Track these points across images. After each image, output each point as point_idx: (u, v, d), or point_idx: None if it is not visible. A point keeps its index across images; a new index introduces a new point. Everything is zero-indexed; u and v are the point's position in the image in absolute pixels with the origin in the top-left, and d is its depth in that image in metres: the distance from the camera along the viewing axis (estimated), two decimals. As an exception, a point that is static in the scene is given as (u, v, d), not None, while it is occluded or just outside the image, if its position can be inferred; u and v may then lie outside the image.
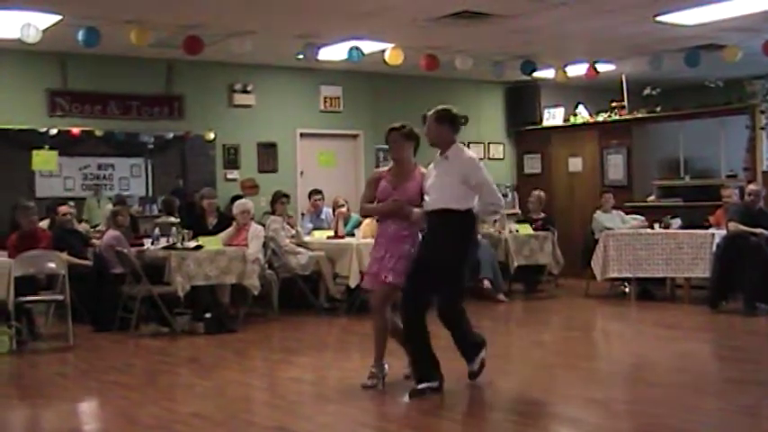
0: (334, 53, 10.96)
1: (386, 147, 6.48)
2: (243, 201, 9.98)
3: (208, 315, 8.66)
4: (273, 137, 12.87)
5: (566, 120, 14.20)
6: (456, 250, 5.86)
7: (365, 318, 9.41)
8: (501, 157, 14.93)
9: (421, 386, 5.86)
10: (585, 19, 9.80)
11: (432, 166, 6.09)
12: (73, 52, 10.88)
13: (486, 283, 10.63)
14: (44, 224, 9.63)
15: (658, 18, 9.80)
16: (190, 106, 12.20)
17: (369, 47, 10.73)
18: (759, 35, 10.44)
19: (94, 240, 9.66)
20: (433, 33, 10.30)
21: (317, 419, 5.47)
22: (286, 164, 12.96)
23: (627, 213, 11.53)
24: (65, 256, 8.42)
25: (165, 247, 8.87)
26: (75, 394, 6.43)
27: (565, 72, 12.52)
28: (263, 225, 9.92)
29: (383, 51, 10.86)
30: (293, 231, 10.14)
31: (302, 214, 11.81)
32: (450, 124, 6.01)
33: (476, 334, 6.10)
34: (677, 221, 10.68)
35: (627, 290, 10.91)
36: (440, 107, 6.08)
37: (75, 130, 11.48)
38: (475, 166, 5.98)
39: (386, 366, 6.10)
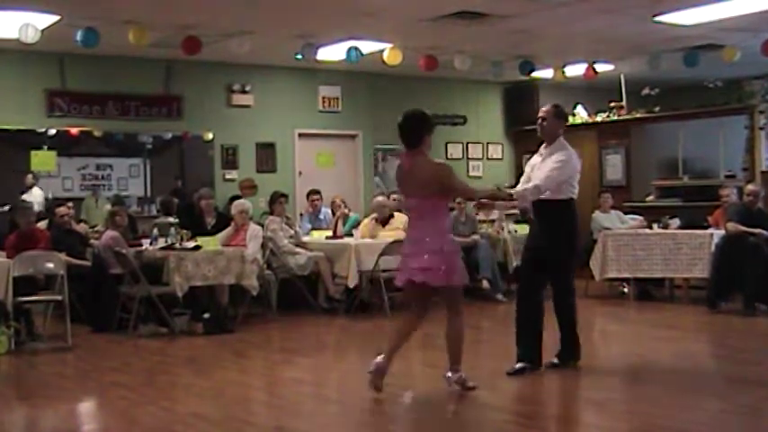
0: (332, 53, 10.96)
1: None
2: (241, 201, 9.98)
3: (206, 315, 8.65)
4: (272, 137, 12.87)
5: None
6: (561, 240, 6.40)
7: (364, 318, 9.43)
8: (500, 157, 14.94)
9: (519, 366, 6.29)
10: (584, 19, 9.81)
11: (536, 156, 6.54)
12: (71, 52, 10.87)
13: (485, 284, 10.62)
14: (43, 224, 9.62)
15: (657, 18, 9.81)
16: (188, 106, 12.20)
17: (367, 47, 10.73)
18: (758, 35, 10.44)
19: (93, 241, 9.65)
20: (432, 33, 10.30)
21: (316, 420, 5.46)
22: (284, 164, 12.97)
23: (625, 213, 11.53)
24: (63, 256, 8.40)
25: (163, 248, 8.86)
26: (74, 395, 6.43)
27: (563, 72, 12.53)
28: (262, 225, 9.91)
29: (382, 51, 10.86)
30: (292, 231, 10.13)
31: (301, 214, 11.81)
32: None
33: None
34: (676, 221, 10.67)
35: (625, 290, 10.91)
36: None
37: (74, 131, 11.48)
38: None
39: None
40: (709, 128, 12.82)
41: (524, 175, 6.67)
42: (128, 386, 6.43)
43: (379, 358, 5.76)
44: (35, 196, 10.97)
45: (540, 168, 6.39)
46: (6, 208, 10.55)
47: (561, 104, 6.70)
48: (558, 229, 6.38)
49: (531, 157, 6.75)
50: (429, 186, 5.67)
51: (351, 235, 10.41)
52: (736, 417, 5.38)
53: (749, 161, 12.16)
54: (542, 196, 6.29)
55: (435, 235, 5.68)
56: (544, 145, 6.53)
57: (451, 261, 5.73)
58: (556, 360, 6.54)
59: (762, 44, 10.57)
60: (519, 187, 6.44)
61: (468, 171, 14.51)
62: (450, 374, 5.92)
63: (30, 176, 11.16)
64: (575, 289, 6.61)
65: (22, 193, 11.00)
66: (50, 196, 11.17)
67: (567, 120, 6.85)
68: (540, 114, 6.54)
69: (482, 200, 6.34)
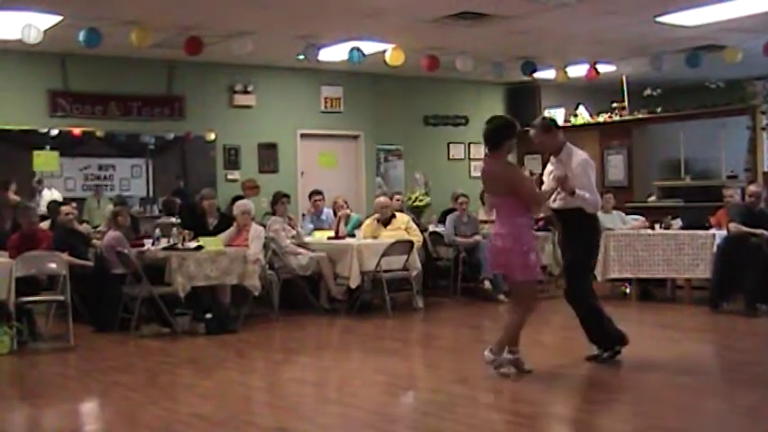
0: (334, 54, 10.97)
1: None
2: (243, 201, 9.98)
3: (208, 315, 8.65)
4: (274, 137, 12.88)
5: (566, 120, 14.20)
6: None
7: (366, 318, 9.44)
8: (501, 157, 14.91)
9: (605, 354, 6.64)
10: (586, 20, 9.81)
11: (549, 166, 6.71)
12: (74, 53, 10.90)
13: (487, 284, 10.62)
14: (45, 225, 9.63)
15: (659, 19, 9.81)
16: (190, 107, 12.21)
17: (369, 47, 10.74)
18: (759, 36, 10.44)
19: (95, 241, 9.66)
20: (434, 34, 10.31)
21: (318, 420, 5.47)
22: (287, 164, 12.98)
23: (627, 214, 11.52)
24: (66, 256, 8.41)
25: (165, 248, 8.86)
26: (76, 395, 6.43)
27: (565, 73, 12.53)
28: (264, 226, 9.92)
29: (384, 52, 10.87)
30: (294, 232, 10.13)
31: (303, 215, 11.81)
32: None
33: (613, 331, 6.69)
34: (678, 222, 10.67)
35: (627, 290, 10.90)
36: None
37: (76, 131, 11.50)
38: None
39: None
40: (710, 128, 12.82)
41: (545, 186, 6.66)
42: (130, 386, 6.44)
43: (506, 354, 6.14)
44: (46, 199, 10.94)
45: (565, 179, 6.44)
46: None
47: (545, 116, 6.90)
48: (581, 232, 6.54)
49: (544, 164, 6.86)
50: (502, 188, 6.22)
51: (353, 235, 10.41)
52: (738, 417, 5.38)
53: (751, 162, 12.16)
54: (563, 205, 6.51)
55: (509, 233, 6.14)
56: (553, 155, 6.64)
57: (514, 257, 6.12)
58: (597, 352, 6.72)
59: (764, 45, 10.57)
60: (581, 191, 6.45)
61: (470, 172, 14.52)
62: (507, 355, 6.28)
63: (35, 180, 11.16)
64: (588, 288, 6.71)
65: (33, 196, 11.03)
66: (59, 196, 11.11)
67: (557, 125, 6.79)
68: (533, 140, 6.68)
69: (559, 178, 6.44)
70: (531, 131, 6.68)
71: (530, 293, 6.31)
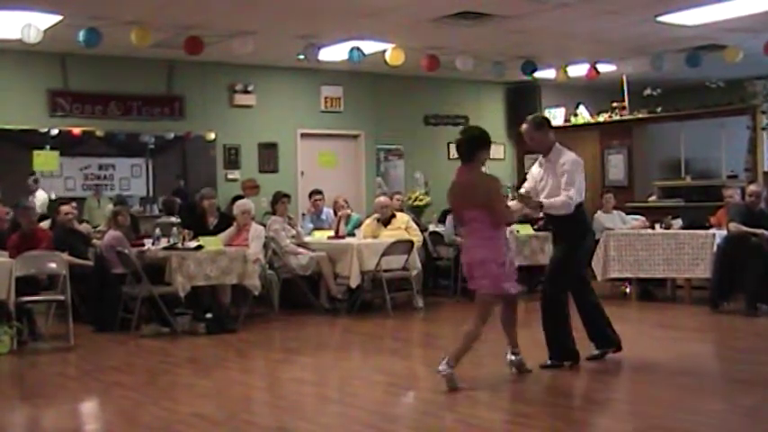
0: (334, 53, 10.96)
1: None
2: (243, 201, 9.98)
3: (208, 315, 8.66)
4: (274, 137, 12.88)
5: (566, 120, 14.20)
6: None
7: (366, 318, 9.43)
8: (502, 157, 14.92)
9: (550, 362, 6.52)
10: (586, 19, 9.81)
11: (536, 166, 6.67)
12: (74, 52, 10.89)
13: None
14: (45, 224, 9.63)
15: (659, 18, 9.80)
16: (190, 106, 12.21)
17: (369, 47, 10.74)
18: (760, 35, 10.44)
19: (95, 241, 9.66)
20: (434, 34, 10.30)
21: (318, 420, 5.46)
22: (287, 164, 12.97)
23: (628, 214, 11.52)
24: (66, 256, 8.41)
25: (165, 248, 8.86)
26: (76, 394, 6.43)
27: (566, 72, 12.53)
28: (264, 225, 9.92)
29: (384, 52, 10.86)
30: (294, 232, 10.13)
31: (303, 214, 11.81)
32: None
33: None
34: (678, 222, 10.66)
35: (628, 290, 10.90)
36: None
37: (76, 131, 11.50)
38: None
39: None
40: (711, 128, 12.82)
41: (527, 183, 6.70)
42: (130, 386, 6.44)
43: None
44: (39, 199, 10.93)
45: (551, 180, 6.43)
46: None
47: (538, 114, 6.83)
48: (570, 233, 6.49)
49: (532, 164, 6.79)
50: (479, 199, 6.02)
51: (353, 235, 10.42)
52: (738, 417, 5.37)
53: (751, 161, 12.15)
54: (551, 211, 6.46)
55: (485, 245, 6.02)
56: (542, 155, 6.58)
57: (488, 270, 6.02)
58: (596, 352, 6.71)
59: (764, 44, 10.57)
60: (548, 200, 6.42)
61: (470, 171, 14.52)
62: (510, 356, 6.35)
63: (31, 179, 11.14)
64: (560, 293, 6.62)
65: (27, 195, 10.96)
66: (53, 196, 11.13)
67: (550, 124, 6.73)
68: (524, 136, 6.63)
69: (522, 196, 6.45)
70: (524, 126, 6.64)
71: (488, 306, 6.14)
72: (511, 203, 6.40)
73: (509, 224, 7.62)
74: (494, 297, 6.14)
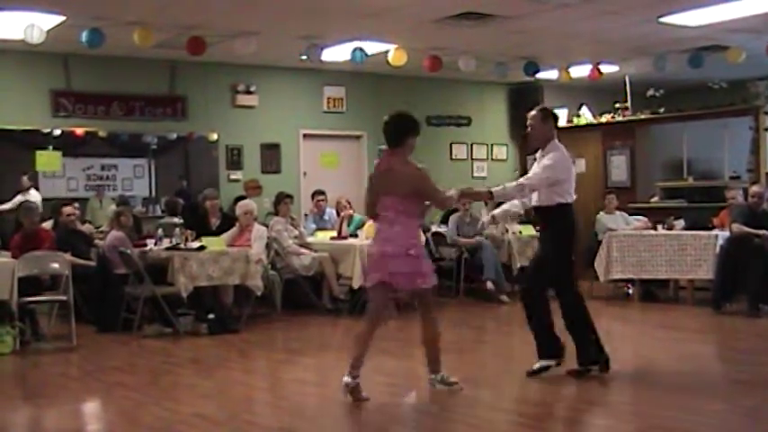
0: (337, 54, 10.97)
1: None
2: (246, 201, 9.99)
3: (211, 316, 8.66)
4: (277, 138, 12.89)
5: (569, 121, 14.19)
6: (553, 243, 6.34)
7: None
8: (504, 158, 14.95)
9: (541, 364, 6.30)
10: (589, 20, 9.80)
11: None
12: (76, 53, 10.91)
13: (489, 285, 10.63)
14: (48, 225, 9.64)
15: (662, 19, 9.80)
16: (193, 107, 12.23)
17: (372, 48, 10.74)
18: (763, 36, 10.43)
19: (98, 241, 9.67)
20: (437, 34, 10.31)
21: (320, 420, 5.47)
22: (289, 164, 12.99)
23: (630, 214, 11.51)
24: (68, 256, 8.42)
25: (168, 248, 8.87)
26: (78, 395, 6.44)
27: (568, 73, 12.53)
28: (267, 226, 9.92)
29: (386, 52, 10.87)
30: (296, 232, 10.14)
31: (305, 215, 11.82)
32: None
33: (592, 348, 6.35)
34: (681, 223, 10.66)
35: (630, 291, 10.89)
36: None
37: (79, 131, 11.52)
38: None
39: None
40: (713, 129, 12.81)
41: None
42: (132, 386, 6.44)
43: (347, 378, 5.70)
44: (33, 198, 10.87)
45: (532, 169, 6.37)
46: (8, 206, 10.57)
47: (548, 107, 6.63)
48: (552, 234, 6.33)
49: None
50: (402, 188, 5.67)
51: (355, 235, 10.41)
52: (740, 418, 5.37)
53: (754, 162, 12.14)
54: (537, 203, 6.31)
55: (404, 237, 5.68)
56: (540, 148, 6.49)
57: (418, 264, 5.71)
58: (578, 367, 6.35)
59: (767, 45, 10.56)
60: (498, 188, 6.26)
61: (472, 172, 14.53)
62: (432, 376, 5.91)
63: (25, 178, 11.02)
64: (573, 291, 6.44)
65: (17, 194, 10.85)
66: (47, 196, 11.04)
67: (556, 120, 6.63)
68: (528, 122, 6.47)
69: (463, 192, 6.16)
70: (532, 113, 6.48)
71: (381, 302, 5.94)
72: (450, 192, 5.97)
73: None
74: (387, 290, 5.87)
